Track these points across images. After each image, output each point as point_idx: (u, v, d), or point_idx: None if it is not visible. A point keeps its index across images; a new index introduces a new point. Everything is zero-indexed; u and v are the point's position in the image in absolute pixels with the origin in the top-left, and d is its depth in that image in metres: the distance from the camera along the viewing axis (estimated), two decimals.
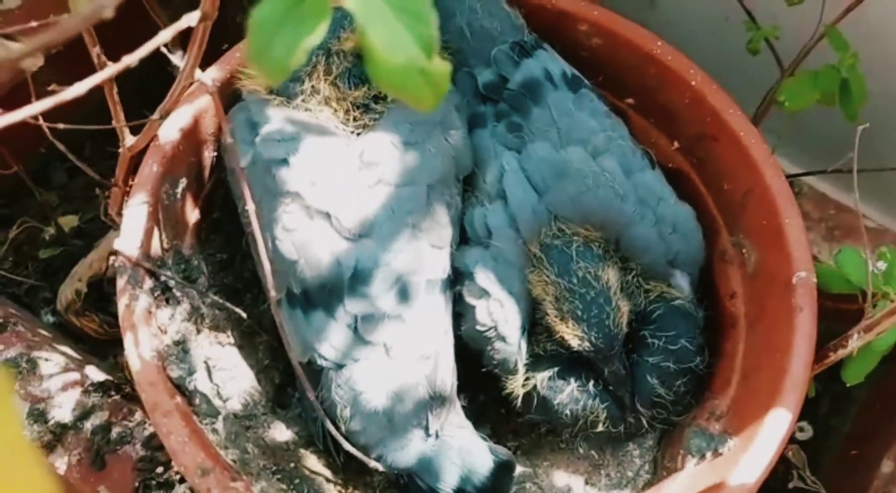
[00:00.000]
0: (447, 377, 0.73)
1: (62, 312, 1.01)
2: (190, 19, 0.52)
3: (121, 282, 0.69)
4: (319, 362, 0.70)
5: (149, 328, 0.68)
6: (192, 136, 0.76)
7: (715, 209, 0.82)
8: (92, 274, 0.99)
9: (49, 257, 1.07)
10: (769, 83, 0.92)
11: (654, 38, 0.82)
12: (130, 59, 0.49)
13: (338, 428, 0.69)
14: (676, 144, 0.85)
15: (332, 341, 0.69)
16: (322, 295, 0.70)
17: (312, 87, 0.73)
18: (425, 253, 0.72)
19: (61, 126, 0.64)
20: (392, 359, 0.70)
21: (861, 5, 0.83)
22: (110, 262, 0.94)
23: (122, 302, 0.68)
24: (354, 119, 0.73)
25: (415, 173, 0.72)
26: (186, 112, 0.75)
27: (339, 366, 0.70)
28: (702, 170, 0.83)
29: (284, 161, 0.70)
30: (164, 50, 0.64)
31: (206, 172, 0.80)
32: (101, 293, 0.99)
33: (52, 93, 0.58)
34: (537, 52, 0.80)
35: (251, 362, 0.78)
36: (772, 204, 0.74)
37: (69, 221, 1.09)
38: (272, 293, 0.62)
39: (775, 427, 0.66)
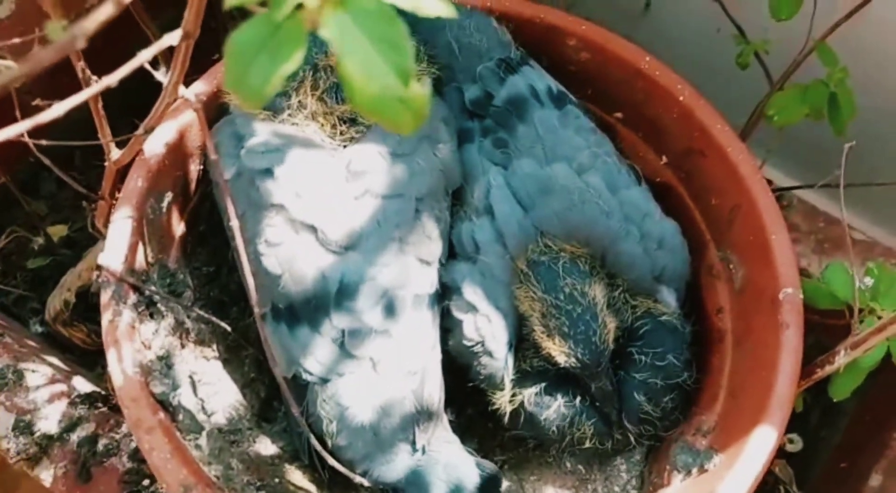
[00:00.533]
0: (434, 392, 0.72)
1: (50, 322, 1.00)
2: (172, 38, 0.52)
3: (104, 297, 0.68)
4: (305, 376, 0.70)
5: (132, 344, 0.68)
6: (177, 150, 0.76)
7: (703, 224, 0.82)
8: (80, 284, 0.99)
9: (37, 267, 1.07)
10: (759, 96, 0.92)
11: (642, 54, 0.81)
12: (111, 79, 0.49)
13: (323, 443, 0.68)
14: (664, 159, 0.85)
15: (317, 355, 0.69)
16: (307, 310, 0.69)
17: (300, 101, 0.73)
18: (412, 267, 0.72)
19: (44, 142, 0.63)
20: (379, 374, 0.70)
21: (851, 21, 0.83)
22: (95, 275, 0.94)
23: (105, 317, 0.68)
24: (341, 133, 0.73)
25: (403, 185, 0.71)
26: (171, 127, 0.75)
27: (325, 381, 0.69)
28: (689, 184, 0.83)
29: (269, 172, 0.70)
30: (147, 67, 0.64)
31: (192, 186, 0.80)
32: (89, 304, 0.99)
33: (37, 106, 0.58)
34: (523, 69, 0.81)
35: (236, 376, 0.78)
36: (759, 220, 0.74)
37: (58, 231, 1.09)
38: (256, 309, 0.62)
39: (761, 444, 0.66)
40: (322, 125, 0.73)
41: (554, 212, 0.74)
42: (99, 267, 0.69)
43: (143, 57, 0.49)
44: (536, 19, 0.83)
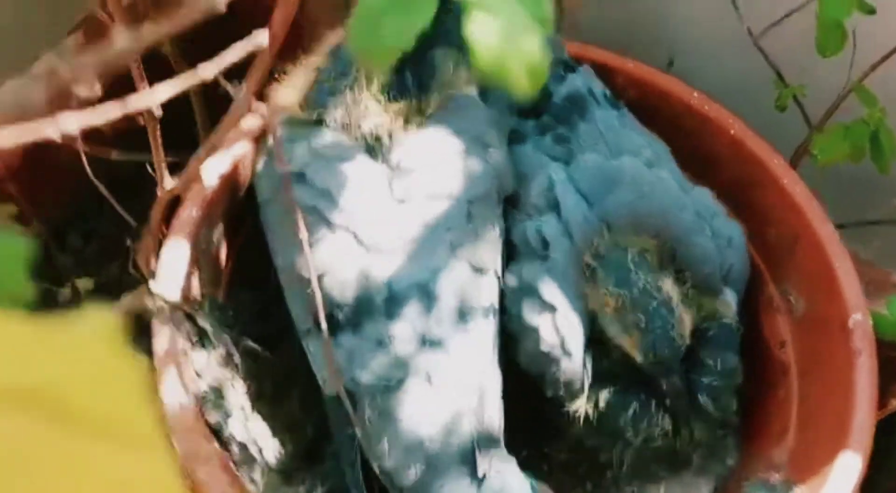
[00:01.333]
0: (495, 413, 0.67)
1: None
2: (261, 37, 0.51)
3: (157, 324, 0.66)
4: (351, 387, 0.65)
5: (185, 372, 0.65)
6: (230, 181, 0.75)
7: (758, 257, 0.80)
8: None
9: None
10: (792, 141, 0.93)
11: (689, 90, 0.82)
12: (207, 72, 0.48)
13: (374, 468, 0.64)
14: (715, 193, 0.84)
15: (363, 365, 0.65)
16: (354, 319, 0.66)
17: (353, 99, 0.71)
18: (466, 275, 0.68)
19: (123, 154, 0.62)
20: (433, 386, 0.65)
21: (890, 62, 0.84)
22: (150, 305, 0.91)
23: (158, 344, 0.65)
24: (391, 133, 0.71)
25: (453, 187, 0.69)
26: (226, 158, 0.74)
27: (374, 394, 0.65)
28: (744, 218, 0.82)
29: (303, 177, 0.69)
30: (221, 80, 0.63)
31: (240, 218, 0.78)
32: None
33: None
34: (580, 69, 0.81)
35: (284, 413, 0.74)
36: (820, 249, 0.74)
37: (85, 284, 1.07)
38: (312, 322, 0.59)
39: (846, 471, 0.63)
40: (374, 124, 0.71)
41: (623, 203, 0.71)
42: (152, 294, 0.67)
43: (234, 52, 0.48)
44: (583, 57, 0.84)
